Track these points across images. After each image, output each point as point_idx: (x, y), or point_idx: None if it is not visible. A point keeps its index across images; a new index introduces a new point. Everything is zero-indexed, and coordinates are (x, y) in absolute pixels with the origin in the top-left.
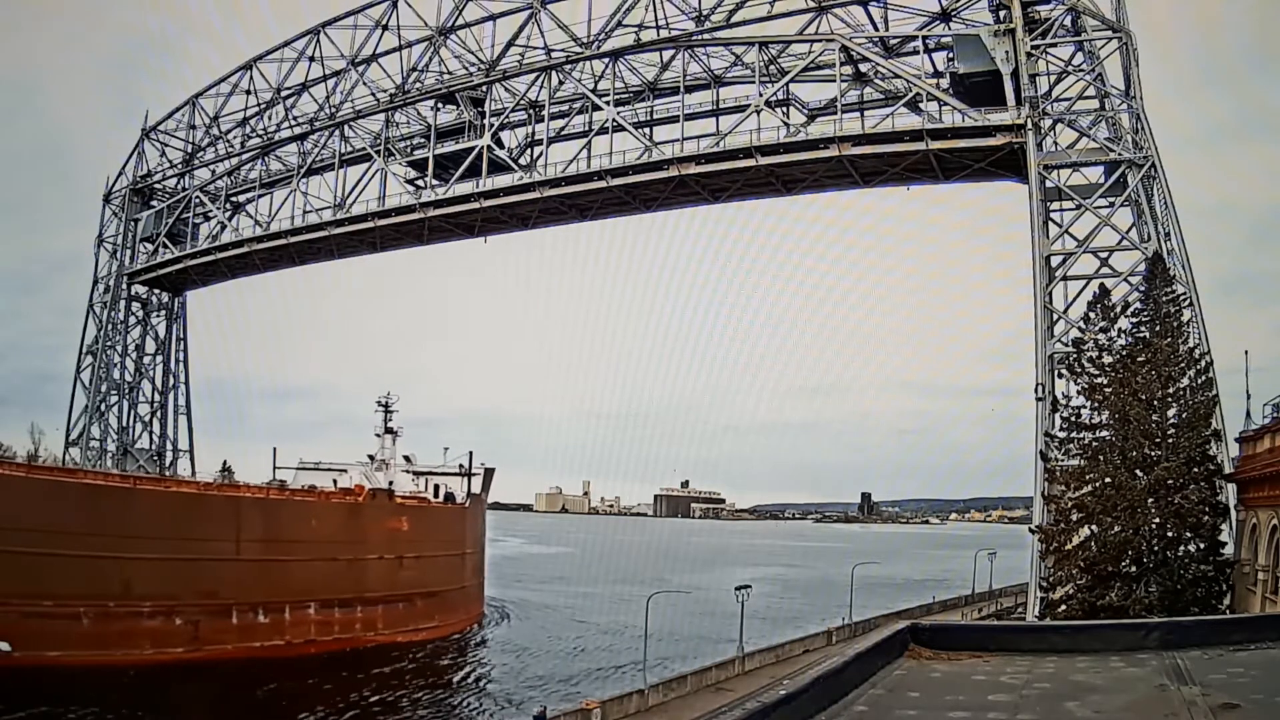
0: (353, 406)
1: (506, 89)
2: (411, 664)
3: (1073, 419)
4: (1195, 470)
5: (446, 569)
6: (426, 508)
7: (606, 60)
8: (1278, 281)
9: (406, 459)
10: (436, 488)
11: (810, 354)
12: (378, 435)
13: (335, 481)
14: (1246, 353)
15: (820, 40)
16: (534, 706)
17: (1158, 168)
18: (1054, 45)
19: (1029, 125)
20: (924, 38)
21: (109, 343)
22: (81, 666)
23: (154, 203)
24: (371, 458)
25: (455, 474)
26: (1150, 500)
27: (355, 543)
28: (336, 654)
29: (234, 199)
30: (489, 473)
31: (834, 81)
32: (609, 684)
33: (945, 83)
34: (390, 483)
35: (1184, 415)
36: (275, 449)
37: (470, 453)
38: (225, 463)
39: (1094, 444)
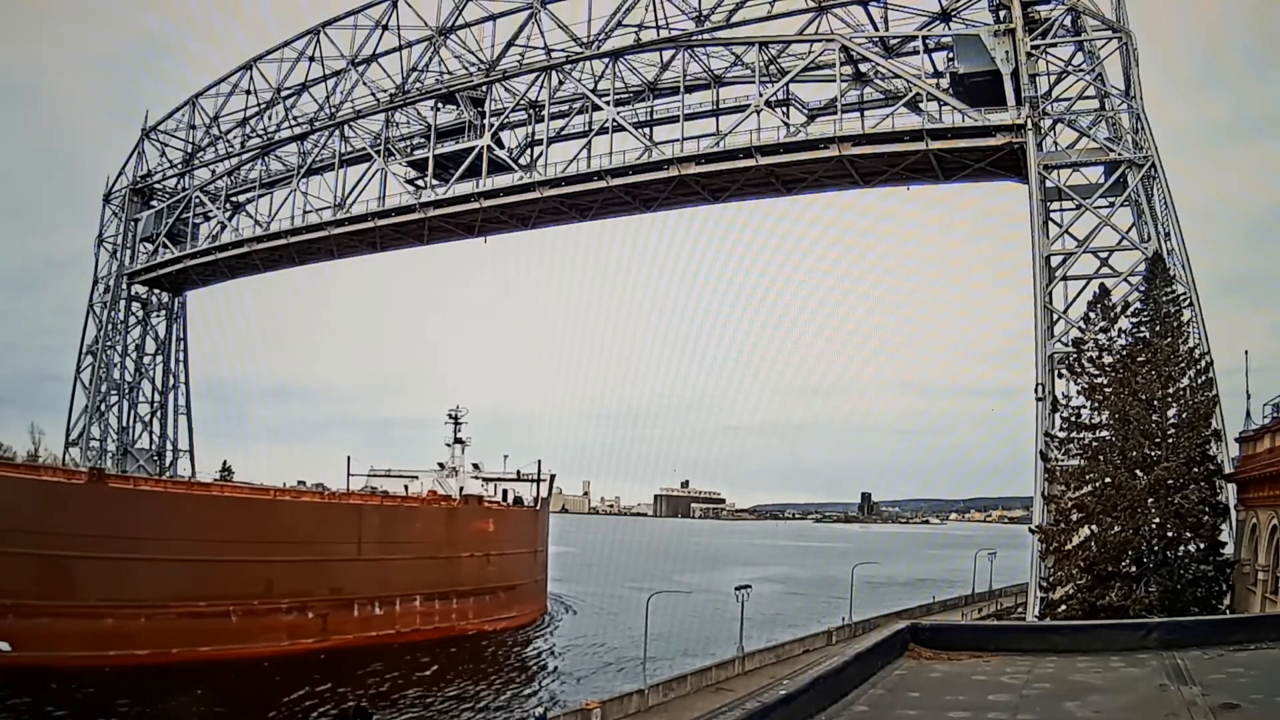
0: (353, 407)
1: (506, 89)
2: (499, 650)
3: (1073, 419)
4: (1195, 470)
5: (522, 565)
6: (506, 511)
7: (606, 60)
8: (1277, 281)
9: (475, 466)
10: (505, 492)
11: (810, 354)
12: (448, 445)
13: (406, 487)
14: (1246, 353)
15: (820, 40)
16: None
17: (1157, 168)
18: (1054, 45)
19: (1029, 125)
20: (924, 38)
21: (109, 343)
22: (228, 660)
23: (154, 203)
24: (441, 465)
25: (514, 479)
26: (1150, 500)
27: (451, 542)
28: (436, 641)
29: (234, 199)
30: (552, 478)
31: (834, 81)
32: (609, 684)
33: (945, 83)
34: (461, 488)
35: (1184, 415)
36: (349, 457)
37: (539, 461)
38: (225, 463)
39: (1094, 444)
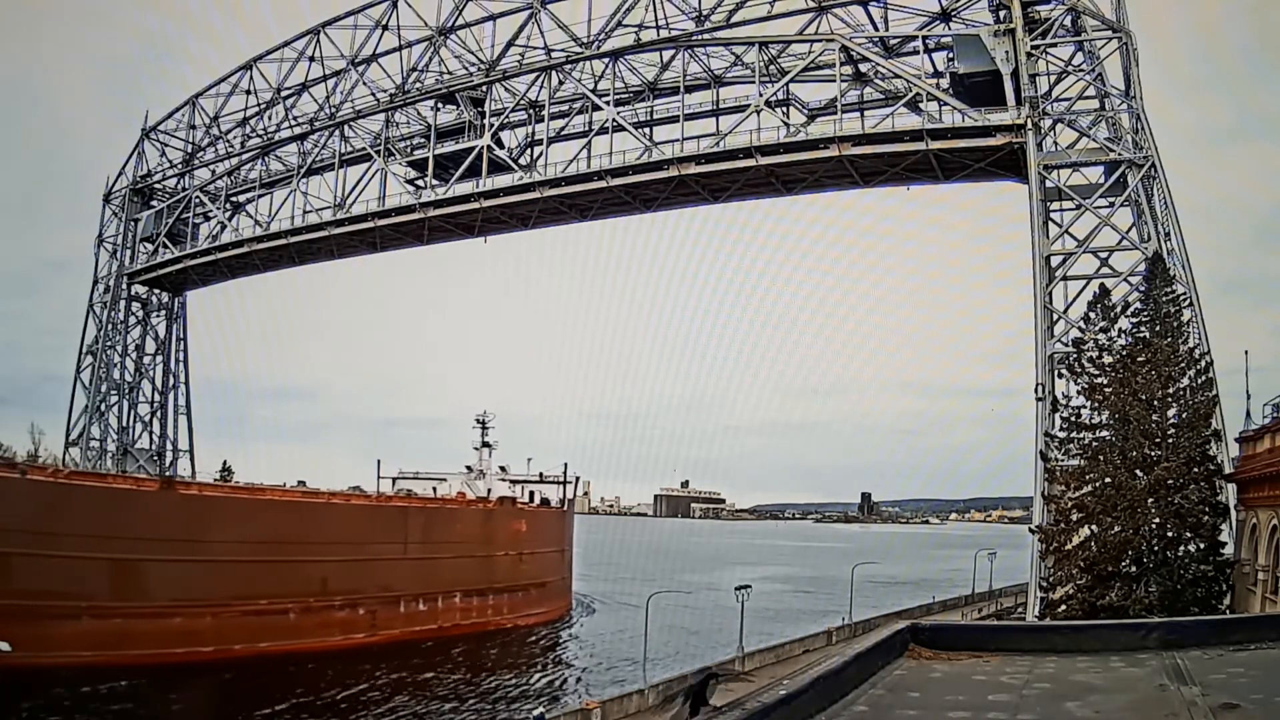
0: (353, 407)
1: (506, 89)
2: (526, 645)
3: (1073, 419)
4: (1195, 470)
5: (551, 564)
6: (536, 511)
7: (606, 60)
8: (1278, 281)
9: (502, 469)
10: (531, 494)
11: (810, 354)
12: (475, 449)
13: (434, 489)
14: (1246, 353)
15: (820, 40)
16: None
17: (1158, 168)
18: (1054, 45)
19: (1029, 125)
20: (924, 38)
21: (109, 343)
22: (286, 654)
23: (154, 203)
24: (469, 468)
25: (537, 481)
26: (1150, 500)
27: (488, 542)
28: (473, 635)
29: (234, 199)
30: (577, 480)
31: (834, 81)
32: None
33: (945, 83)
34: (489, 490)
35: (1184, 415)
36: (379, 460)
37: (565, 464)
38: (225, 463)
39: (1094, 444)
